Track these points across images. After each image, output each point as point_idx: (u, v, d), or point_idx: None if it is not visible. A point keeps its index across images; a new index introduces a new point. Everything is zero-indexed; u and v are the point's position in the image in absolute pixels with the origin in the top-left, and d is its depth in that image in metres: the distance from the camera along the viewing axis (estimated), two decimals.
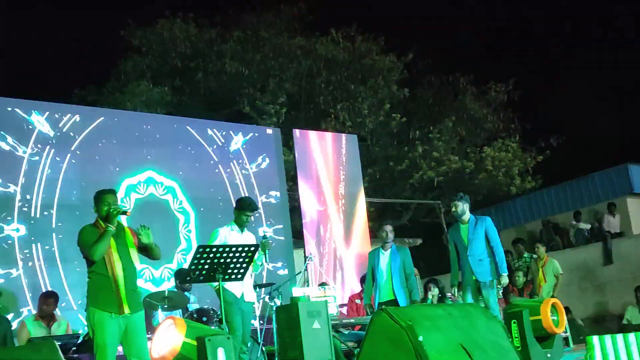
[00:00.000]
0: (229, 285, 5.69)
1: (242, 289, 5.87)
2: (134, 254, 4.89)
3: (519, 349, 5.59)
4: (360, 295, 8.10)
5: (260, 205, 9.85)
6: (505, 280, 6.69)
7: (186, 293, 7.24)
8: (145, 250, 4.95)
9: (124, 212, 4.80)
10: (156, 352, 4.60)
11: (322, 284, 9.11)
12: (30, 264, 7.80)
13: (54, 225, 8.07)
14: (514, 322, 5.78)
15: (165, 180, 9.15)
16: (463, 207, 6.91)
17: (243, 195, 8.51)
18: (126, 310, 4.68)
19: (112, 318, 4.66)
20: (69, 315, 7.40)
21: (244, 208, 6.06)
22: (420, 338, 4.28)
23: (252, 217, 6.18)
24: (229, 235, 6.00)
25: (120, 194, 8.23)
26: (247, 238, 6.10)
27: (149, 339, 4.95)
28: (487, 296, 6.65)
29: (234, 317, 5.70)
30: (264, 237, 6.09)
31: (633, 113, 18.39)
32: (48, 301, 6.93)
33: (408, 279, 7.03)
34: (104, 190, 4.96)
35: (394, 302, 6.84)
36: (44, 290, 7.41)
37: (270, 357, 6.65)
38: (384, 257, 7.13)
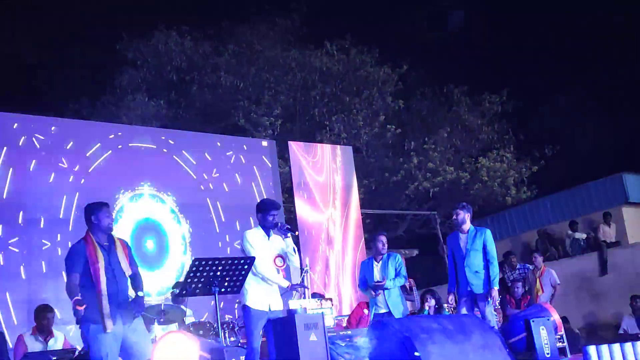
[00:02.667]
0: (255, 300, 5.53)
1: (269, 300, 5.62)
2: (125, 264, 4.90)
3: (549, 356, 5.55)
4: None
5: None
6: (495, 293, 6.65)
7: (182, 306, 7.22)
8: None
9: None
10: None
11: (315, 295, 9.04)
12: (23, 277, 7.77)
13: (48, 239, 8.04)
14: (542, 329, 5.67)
15: (160, 195, 9.14)
16: (464, 217, 6.87)
17: (232, 210, 8.46)
18: (109, 327, 4.65)
19: (107, 331, 4.65)
20: (65, 330, 7.36)
21: (268, 208, 5.69)
22: (417, 354, 4.28)
23: (277, 217, 5.78)
24: (255, 240, 5.65)
25: (115, 209, 8.25)
26: (277, 243, 5.75)
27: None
28: (483, 308, 6.64)
29: (252, 331, 5.55)
30: (277, 224, 5.72)
31: (627, 122, 18.45)
32: (46, 316, 6.86)
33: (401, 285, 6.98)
34: (100, 202, 5.01)
35: (389, 315, 6.78)
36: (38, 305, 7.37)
37: None
38: (377, 268, 7.01)
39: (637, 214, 14.87)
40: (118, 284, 4.80)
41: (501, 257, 11.19)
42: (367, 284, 7.05)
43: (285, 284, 5.65)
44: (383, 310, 6.86)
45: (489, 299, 6.64)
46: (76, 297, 4.62)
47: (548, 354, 5.67)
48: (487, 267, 6.72)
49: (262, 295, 5.58)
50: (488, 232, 6.87)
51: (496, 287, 6.64)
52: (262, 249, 5.63)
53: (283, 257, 5.77)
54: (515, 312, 8.23)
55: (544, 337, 5.71)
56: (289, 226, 5.78)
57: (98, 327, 4.66)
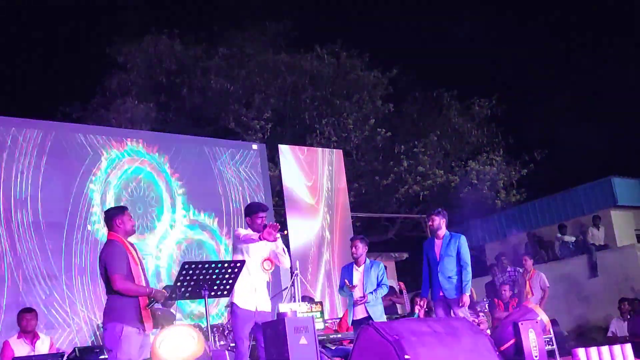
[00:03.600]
0: (242, 300, 5.53)
1: (256, 302, 5.60)
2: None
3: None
4: None
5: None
6: (466, 299, 6.68)
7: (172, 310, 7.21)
8: None
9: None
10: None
11: (305, 298, 9.04)
12: (15, 280, 7.72)
13: (36, 243, 7.99)
14: (531, 332, 5.67)
15: (150, 198, 9.12)
16: (439, 222, 6.90)
17: (222, 213, 8.43)
18: (148, 329, 4.72)
19: (138, 334, 4.68)
20: (52, 333, 7.32)
21: (256, 210, 5.68)
22: (407, 357, 4.28)
23: (265, 219, 5.73)
24: (249, 239, 5.58)
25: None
26: (265, 245, 5.67)
27: None
28: (457, 312, 6.67)
29: (239, 333, 5.55)
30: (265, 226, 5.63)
31: (616, 126, 18.59)
32: (27, 316, 6.81)
33: (382, 293, 6.82)
34: (120, 207, 5.12)
35: (369, 319, 6.57)
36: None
37: None
38: (358, 273, 6.88)
39: (626, 217, 14.97)
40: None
41: (493, 259, 11.24)
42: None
43: (251, 305, 5.53)
44: (363, 315, 6.72)
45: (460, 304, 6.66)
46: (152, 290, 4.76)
47: (536, 356, 5.68)
48: (459, 272, 6.74)
49: (249, 293, 5.56)
50: (463, 239, 6.89)
51: (467, 294, 6.69)
52: (248, 253, 5.62)
53: (271, 260, 5.76)
54: (504, 316, 8.24)
55: (532, 340, 5.71)
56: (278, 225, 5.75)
57: (133, 329, 4.65)
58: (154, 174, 9.30)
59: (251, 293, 5.58)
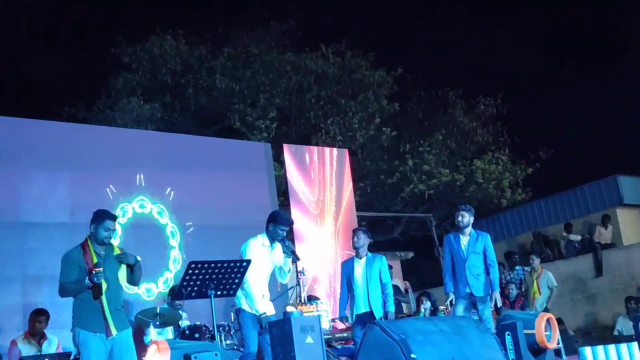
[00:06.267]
0: (249, 305, 5.61)
1: (262, 306, 5.66)
2: (122, 274, 4.91)
3: None
4: None
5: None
6: (497, 296, 6.75)
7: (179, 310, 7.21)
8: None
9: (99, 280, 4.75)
10: None
11: (311, 298, 9.04)
12: (20, 281, 7.74)
13: (44, 243, 8.01)
14: (508, 334, 5.76)
15: (156, 197, 9.13)
16: (469, 219, 6.89)
17: (227, 213, 8.44)
18: (113, 331, 4.73)
19: (97, 337, 4.70)
20: (59, 334, 7.34)
21: (280, 222, 5.76)
22: (414, 356, 4.28)
23: (285, 232, 5.87)
24: (259, 250, 5.73)
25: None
26: (277, 255, 5.84)
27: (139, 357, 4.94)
28: (483, 310, 6.67)
29: (249, 334, 5.60)
30: (284, 241, 5.80)
31: (621, 124, 18.54)
32: (39, 319, 6.88)
33: (384, 288, 6.80)
34: (107, 213, 4.99)
35: (370, 314, 6.66)
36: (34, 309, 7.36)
37: None
38: (359, 266, 6.87)
39: (632, 215, 14.94)
40: (111, 293, 4.82)
41: (500, 258, 11.22)
42: (348, 287, 6.87)
43: (262, 310, 5.58)
44: (364, 310, 6.72)
45: (490, 301, 6.71)
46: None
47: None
48: (486, 270, 6.77)
49: (260, 300, 5.61)
50: (489, 237, 6.97)
51: (497, 290, 6.76)
52: (261, 261, 5.66)
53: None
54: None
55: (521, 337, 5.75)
56: (294, 250, 5.88)
57: (88, 332, 4.71)
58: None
59: (260, 299, 5.62)
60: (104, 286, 4.75)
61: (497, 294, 6.74)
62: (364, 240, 6.90)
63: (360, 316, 6.71)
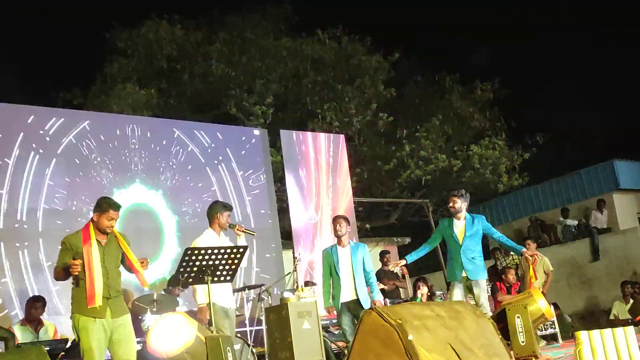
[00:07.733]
0: (220, 300, 5.69)
1: (227, 300, 5.86)
2: (118, 261, 4.94)
3: (524, 344, 5.61)
4: None
5: (247, 205, 9.87)
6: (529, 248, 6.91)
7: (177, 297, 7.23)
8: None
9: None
10: (164, 347, 4.60)
11: (308, 284, 9.03)
12: (17, 269, 7.74)
13: (40, 230, 8.00)
14: (518, 317, 5.76)
15: (151, 184, 9.11)
16: (461, 205, 6.87)
17: (224, 199, 8.49)
18: (108, 316, 4.75)
19: (96, 322, 4.70)
20: (56, 320, 7.35)
21: (219, 209, 5.98)
22: (410, 337, 4.29)
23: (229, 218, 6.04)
24: (212, 242, 5.79)
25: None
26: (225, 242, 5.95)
27: (138, 342, 4.95)
28: (479, 294, 6.66)
29: (221, 327, 5.65)
30: (230, 225, 5.97)
31: (618, 109, 18.54)
32: (36, 305, 6.89)
33: (368, 277, 6.81)
34: (111, 202, 4.97)
35: (357, 302, 6.65)
36: (31, 295, 7.36)
37: (261, 359, 6.64)
38: (344, 253, 6.85)
39: (628, 200, 14.99)
40: (109, 279, 4.84)
41: (496, 243, 11.24)
42: (332, 273, 6.86)
43: (200, 301, 5.69)
44: (352, 297, 6.70)
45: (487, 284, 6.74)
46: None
47: (523, 342, 5.71)
48: (482, 253, 6.78)
49: (223, 298, 5.78)
50: (484, 218, 6.96)
51: (524, 249, 7.05)
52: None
53: None
54: (506, 299, 8.24)
55: (518, 326, 5.74)
56: (237, 223, 6.05)
57: (87, 318, 4.72)
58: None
59: (226, 297, 5.86)
60: (99, 273, 4.74)
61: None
62: (346, 228, 6.91)
63: (346, 304, 6.69)
